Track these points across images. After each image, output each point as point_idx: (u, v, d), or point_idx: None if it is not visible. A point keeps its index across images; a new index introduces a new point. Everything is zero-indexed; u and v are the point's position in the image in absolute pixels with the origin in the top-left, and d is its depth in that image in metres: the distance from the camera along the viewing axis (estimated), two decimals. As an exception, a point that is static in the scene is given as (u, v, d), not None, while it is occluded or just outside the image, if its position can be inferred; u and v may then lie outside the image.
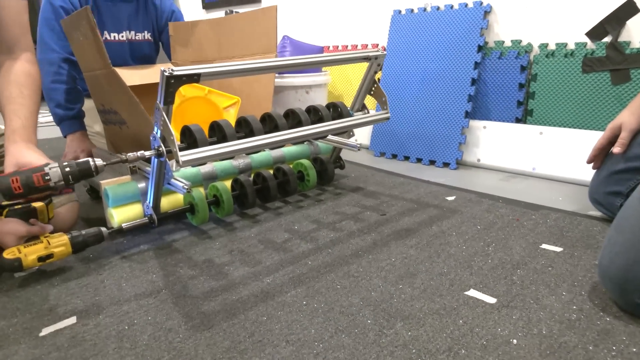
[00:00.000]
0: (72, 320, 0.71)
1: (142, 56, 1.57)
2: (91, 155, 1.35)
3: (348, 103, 1.18)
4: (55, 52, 1.33)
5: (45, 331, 0.69)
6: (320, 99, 1.84)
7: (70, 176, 0.78)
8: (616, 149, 0.92)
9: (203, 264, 0.88)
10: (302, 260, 0.88)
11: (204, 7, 2.70)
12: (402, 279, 0.79)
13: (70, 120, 1.37)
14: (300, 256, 0.90)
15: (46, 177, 0.76)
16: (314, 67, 1.09)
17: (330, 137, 1.24)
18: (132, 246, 0.98)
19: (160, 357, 0.62)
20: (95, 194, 1.32)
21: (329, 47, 2.10)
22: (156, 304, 0.75)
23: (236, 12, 2.23)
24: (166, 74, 0.76)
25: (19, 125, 0.84)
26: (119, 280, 0.83)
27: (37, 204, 0.91)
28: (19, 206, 0.87)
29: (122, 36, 1.50)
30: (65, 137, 1.38)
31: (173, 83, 0.77)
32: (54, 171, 0.77)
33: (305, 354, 0.61)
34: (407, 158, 1.68)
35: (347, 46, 2.03)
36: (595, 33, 1.31)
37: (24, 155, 0.81)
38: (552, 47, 1.42)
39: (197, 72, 0.79)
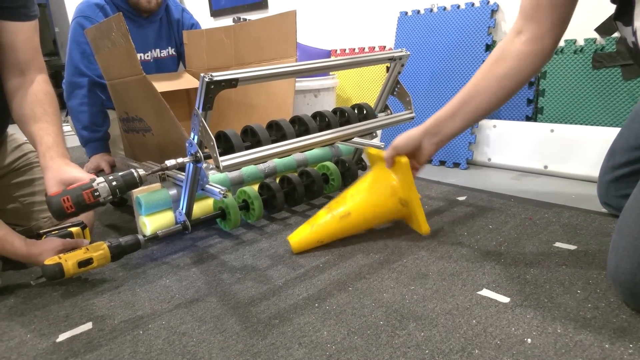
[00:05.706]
0: (88, 325, 0.72)
1: (166, 71, 1.61)
2: (114, 165, 1.37)
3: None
4: (86, 76, 1.35)
5: (62, 337, 0.70)
6: (328, 103, 1.83)
7: (117, 190, 0.79)
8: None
9: (215, 268, 0.89)
10: (314, 263, 0.88)
11: (212, 15, 2.73)
12: (414, 279, 0.79)
13: (96, 142, 1.39)
14: (312, 258, 0.90)
15: (96, 194, 0.76)
16: (344, 69, 1.08)
17: (354, 138, 1.23)
18: (142, 254, 0.99)
19: (174, 361, 0.62)
20: (123, 201, 1.32)
21: (336, 50, 2.10)
22: (170, 309, 0.76)
23: (244, 19, 2.25)
24: (206, 79, 0.76)
25: (52, 142, 0.85)
26: (133, 286, 0.84)
27: (73, 229, 0.93)
28: (56, 232, 0.89)
29: (148, 56, 1.54)
30: (89, 157, 1.41)
31: (213, 88, 0.78)
32: (103, 187, 0.77)
33: (318, 355, 0.61)
34: (417, 159, 1.67)
35: (354, 49, 2.04)
36: (604, 28, 1.30)
37: (66, 171, 0.81)
38: (561, 43, 1.40)
39: (235, 76, 0.80)
